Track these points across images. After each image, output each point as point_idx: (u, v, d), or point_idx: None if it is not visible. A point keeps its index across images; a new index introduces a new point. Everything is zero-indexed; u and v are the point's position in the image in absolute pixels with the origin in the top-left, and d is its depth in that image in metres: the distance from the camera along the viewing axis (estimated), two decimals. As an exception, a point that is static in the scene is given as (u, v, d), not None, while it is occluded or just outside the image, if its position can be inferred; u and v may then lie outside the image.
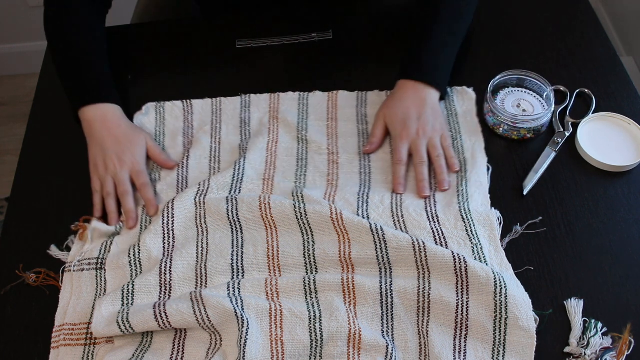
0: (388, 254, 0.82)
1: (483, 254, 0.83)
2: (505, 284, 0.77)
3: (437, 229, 0.85)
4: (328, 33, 1.14)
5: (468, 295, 0.78)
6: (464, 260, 0.78)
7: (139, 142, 0.96)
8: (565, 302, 0.80)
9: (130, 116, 1.02)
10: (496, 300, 0.76)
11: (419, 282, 0.80)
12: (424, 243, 0.81)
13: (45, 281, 0.86)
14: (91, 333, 0.80)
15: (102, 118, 0.96)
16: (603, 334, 0.77)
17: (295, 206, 0.86)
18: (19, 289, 0.85)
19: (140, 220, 0.90)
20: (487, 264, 0.81)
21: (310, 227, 0.86)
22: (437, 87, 0.98)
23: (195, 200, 0.89)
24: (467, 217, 0.86)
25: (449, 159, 0.93)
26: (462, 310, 0.77)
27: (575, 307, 0.79)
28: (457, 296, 0.78)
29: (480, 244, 0.84)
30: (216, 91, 1.06)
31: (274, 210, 0.86)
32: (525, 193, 0.91)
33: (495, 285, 0.77)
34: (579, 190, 0.91)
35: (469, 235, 0.84)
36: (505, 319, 0.76)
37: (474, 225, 0.85)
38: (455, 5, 1.02)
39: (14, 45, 2.24)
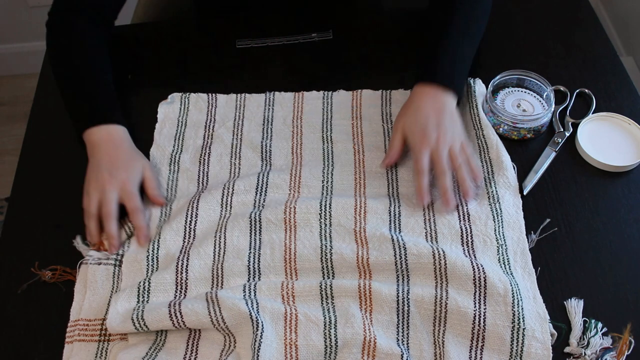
0: (407, 260, 0.81)
1: (507, 256, 0.82)
2: (521, 296, 0.77)
3: (466, 227, 0.85)
4: (328, 33, 1.14)
5: (485, 305, 0.77)
6: (483, 271, 0.78)
7: (135, 166, 0.92)
8: (565, 302, 0.80)
9: (148, 115, 1.02)
10: (514, 311, 0.76)
11: (436, 291, 0.79)
12: (444, 252, 0.80)
13: (62, 277, 0.85)
14: (105, 329, 0.80)
15: (106, 139, 0.93)
16: (603, 334, 0.77)
17: (320, 215, 0.86)
18: (18, 289, 0.85)
19: (158, 219, 0.90)
20: (510, 266, 0.81)
21: (330, 234, 0.85)
22: (455, 92, 0.94)
23: (221, 202, 0.90)
24: (497, 218, 0.86)
25: (472, 168, 0.89)
26: (479, 321, 0.76)
27: (575, 307, 0.79)
28: (475, 306, 0.77)
29: (505, 245, 0.83)
30: (216, 91, 1.06)
31: (298, 216, 0.86)
32: (525, 193, 0.91)
33: (513, 297, 0.77)
34: (579, 190, 0.91)
35: (496, 235, 0.84)
36: (523, 329, 0.75)
37: (502, 227, 0.85)
38: (468, 8, 1.01)
39: (14, 45, 2.24)
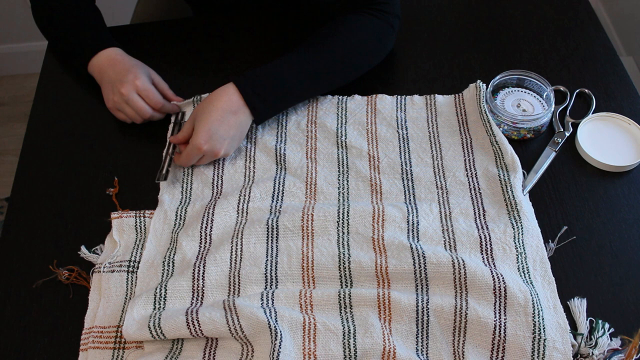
0: (426, 269, 0.80)
1: (526, 264, 0.82)
2: (541, 306, 0.77)
3: (485, 235, 0.85)
4: None
5: (506, 316, 0.76)
6: (503, 281, 0.78)
7: (141, 68, 1.01)
8: (568, 302, 0.80)
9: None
10: (535, 321, 0.75)
11: (456, 300, 0.78)
12: (463, 261, 0.80)
13: (77, 280, 0.85)
14: (120, 336, 0.79)
15: (107, 61, 1.03)
16: (611, 335, 0.77)
17: (338, 223, 0.86)
18: (18, 289, 0.85)
19: (174, 222, 0.90)
20: (529, 275, 0.81)
21: (348, 242, 0.85)
22: (251, 112, 0.94)
23: (237, 208, 0.89)
24: (516, 225, 0.85)
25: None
26: (499, 332, 0.75)
27: (579, 307, 0.79)
28: (495, 316, 0.76)
29: (525, 253, 0.83)
30: (216, 91, 1.06)
31: (316, 223, 0.86)
32: (525, 193, 0.91)
33: (534, 307, 0.76)
34: (579, 190, 0.91)
35: (515, 243, 0.83)
36: (544, 340, 0.74)
37: (522, 234, 0.84)
38: (337, 49, 0.98)
39: (14, 45, 2.24)
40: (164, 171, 0.94)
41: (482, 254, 0.83)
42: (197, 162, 0.94)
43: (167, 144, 0.98)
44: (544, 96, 0.99)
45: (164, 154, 0.97)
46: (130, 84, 0.98)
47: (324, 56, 0.98)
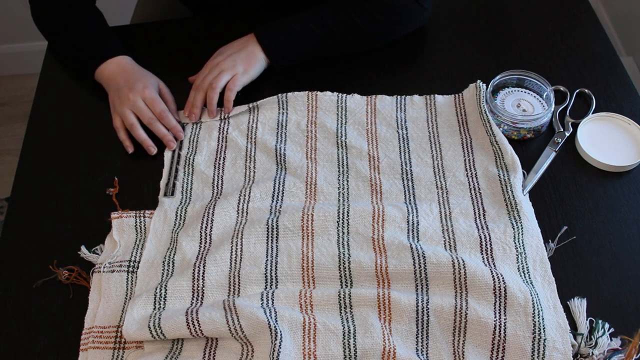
0: (426, 269, 0.80)
1: (526, 264, 0.82)
2: (541, 306, 0.77)
3: (485, 235, 0.85)
4: None
5: (506, 316, 0.76)
6: (503, 281, 0.78)
7: (150, 78, 1.03)
8: (568, 302, 0.80)
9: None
10: (535, 321, 0.75)
11: (456, 300, 0.78)
12: (463, 261, 0.80)
13: (77, 280, 0.85)
14: (120, 336, 0.79)
15: (117, 69, 1.03)
16: (610, 335, 0.77)
17: (338, 223, 0.86)
18: (18, 289, 0.85)
19: (174, 222, 0.90)
20: (529, 275, 0.81)
21: (348, 242, 0.85)
22: (265, 49, 1.04)
23: (237, 208, 0.89)
24: (516, 225, 0.85)
25: (224, 99, 1.00)
26: (499, 332, 0.75)
27: (579, 307, 0.79)
28: (495, 316, 0.76)
29: (525, 253, 0.83)
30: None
31: (316, 223, 0.86)
32: (525, 193, 0.91)
33: (534, 307, 0.76)
34: (579, 190, 0.91)
35: (515, 243, 0.83)
36: (544, 340, 0.74)
37: (522, 234, 0.84)
38: (351, 19, 1.05)
39: (14, 45, 2.24)
40: (170, 185, 0.93)
41: (482, 254, 0.83)
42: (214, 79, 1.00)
43: (171, 156, 0.97)
44: (544, 96, 0.99)
45: (167, 167, 0.96)
46: (138, 91, 0.98)
47: (339, 15, 1.05)
